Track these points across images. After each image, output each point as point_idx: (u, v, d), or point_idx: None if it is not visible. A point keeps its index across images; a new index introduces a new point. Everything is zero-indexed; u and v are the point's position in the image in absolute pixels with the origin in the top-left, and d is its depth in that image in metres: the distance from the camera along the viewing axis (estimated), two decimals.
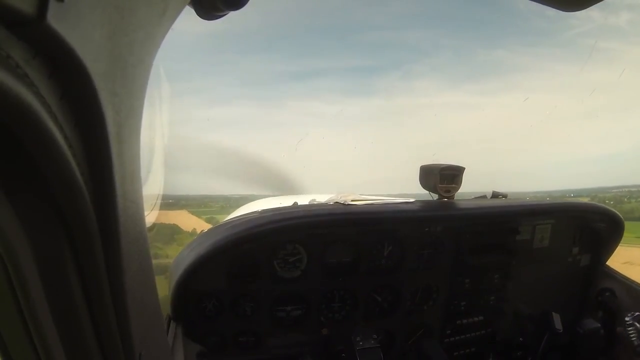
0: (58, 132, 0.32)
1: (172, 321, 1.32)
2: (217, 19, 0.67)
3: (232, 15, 0.67)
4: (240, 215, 1.57)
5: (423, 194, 1.81)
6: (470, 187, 2.14)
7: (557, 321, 1.68)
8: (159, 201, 1.64)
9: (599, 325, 1.68)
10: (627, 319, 1.67)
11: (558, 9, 0.89)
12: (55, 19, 0.27)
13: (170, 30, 0.56)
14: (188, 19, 0.64)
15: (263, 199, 3.21)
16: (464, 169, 1.73)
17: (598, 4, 0.81)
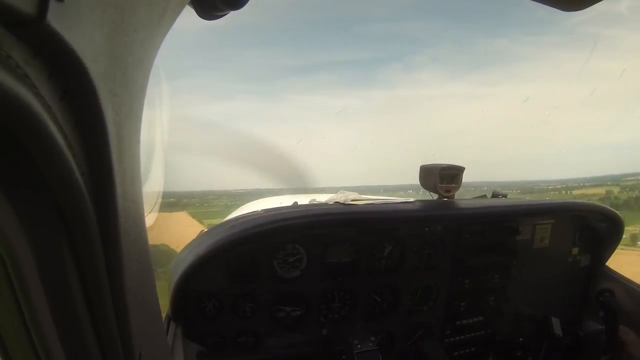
0: (58, 132, 0.32)
1: (172, 321, 1.32)
2: (217, 18, 0.67)
3: (238, 11, 0.67)
4: (240, 215, 1.57)
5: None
6: (479, 177, 2.13)
7: (557, 326, 1.68)
8: (159, 200, 1.64)
9: (600, 327, 1.68)
10: None
11: (558, 8, 0.89)
12: (55, 19, 0.27)
13: (170, 30, 0.56)
14: (189, 18, 0.64)
15: (263, 199, 3.22)
16: (464, 168, 1.73)
17: None
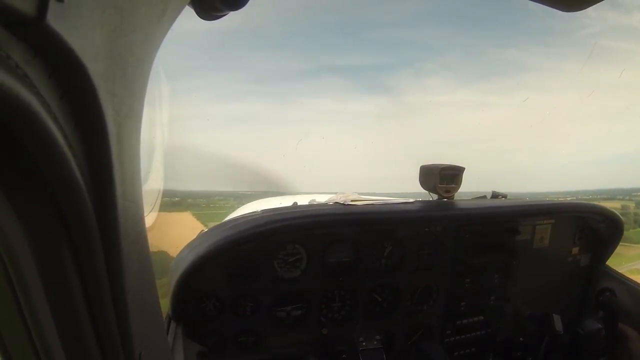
0: (58, 132, 0.32)
1: (172, 321, 1.32)
2: (216, 19, 0.67)
3: (243, 12, 0.67)
4: (240, 216, 1.57)
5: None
6: (483, 187, 2.14)
7: (558, 322, 1.68)
8: (159, 201, 1.63)
9: (600, 325, 1.68)
10: None
11: (558, 9, 0.89)
12: (55, 19, 0.27)
13: (173, 30, 0.56)
14: (193, 19, 0.64)
15: (263, 199, 3.21)
16: (464, 168, 1.73)
17: (606, 4, 0.81)
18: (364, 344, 1.35)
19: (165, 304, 1.34)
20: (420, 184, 1.78)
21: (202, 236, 1.45)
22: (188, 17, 0.63)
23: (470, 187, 1.75)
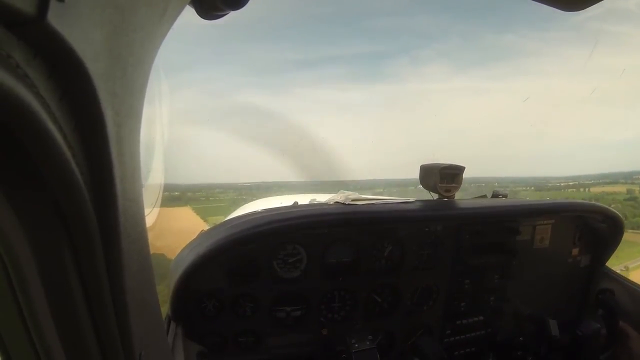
0: (58, 132, 0.32)
1: (172, 321, 1.32)
2: (217, 18, 0.67)
3: None
4: (240, 215, 1.57)
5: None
6: (484, 173, 2.15)
7: (554, 328, 1.68)
8: (160, 199, 1.63)
9: (600, 325, 1.68)
10: None
11: (558, 8, 0.89)
12: (55, 19, 0.27)
13: (173, 27, 0.56)
14: (192, 15, 0.64)
15: (263, 199, 3.22)
16: (464, 168, 1.73)
17: None
18: (356, 345, 1.36)
19: (164, 310, 1.34)
20: (421, 183, 1.78)
21: (202, 236, 1.45)
22: (186, 13, 0.63)
23: (472, 173, 1.73)
